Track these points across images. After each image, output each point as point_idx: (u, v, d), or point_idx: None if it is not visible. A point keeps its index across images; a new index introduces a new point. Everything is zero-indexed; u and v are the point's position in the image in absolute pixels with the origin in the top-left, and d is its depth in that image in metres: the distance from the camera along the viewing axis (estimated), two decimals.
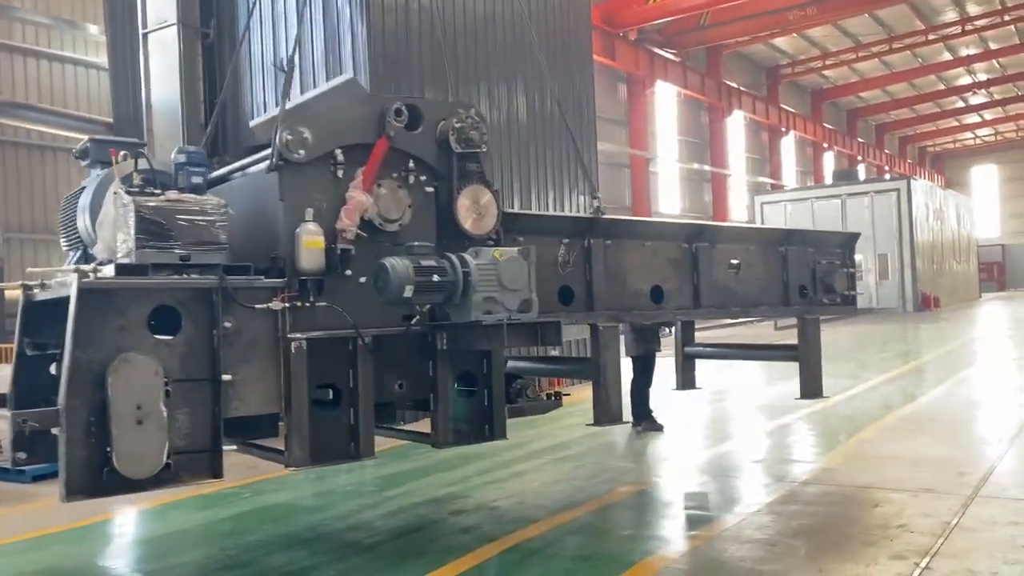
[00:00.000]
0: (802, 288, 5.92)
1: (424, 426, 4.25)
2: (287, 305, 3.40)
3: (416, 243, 3.53)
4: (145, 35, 8.58)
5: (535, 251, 3.78)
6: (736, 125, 33.53)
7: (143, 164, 3.38)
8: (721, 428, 7.88)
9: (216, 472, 3.29)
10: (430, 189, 3.90)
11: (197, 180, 3.33)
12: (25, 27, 16.42)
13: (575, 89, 11.05)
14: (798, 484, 5.43)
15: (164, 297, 3.19)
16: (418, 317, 3.74)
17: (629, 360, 7.12)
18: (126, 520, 5.13)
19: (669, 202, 29.72)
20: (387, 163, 3.74)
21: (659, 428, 7.40)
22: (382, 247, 3.63)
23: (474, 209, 3.94)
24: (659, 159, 28.52)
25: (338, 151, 3.61)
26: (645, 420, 7.37)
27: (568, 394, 6.27)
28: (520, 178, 9.86)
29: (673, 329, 7.10)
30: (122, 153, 3.62)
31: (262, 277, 3.42)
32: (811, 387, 5.96)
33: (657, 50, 26.70)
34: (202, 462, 3.27)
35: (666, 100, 29.40)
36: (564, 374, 5.53)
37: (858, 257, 27.13)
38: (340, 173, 3.61)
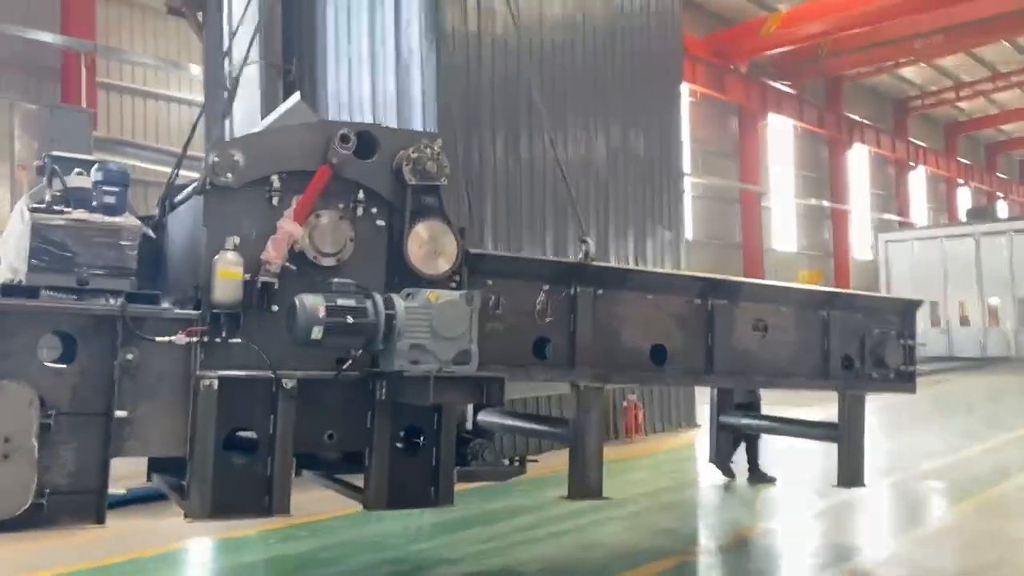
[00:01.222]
0: (846, 359, 5.10)
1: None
2: (193, 340, 3.06)
3: (336, 280, 3.13)
4: (230, 73, 8.87)
5: (480, 296, 3.31)
6: (859, 159, 31.86)
7: (57, 182, 3.15)
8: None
9: (100, 516, 2.94)
10: (381, 223, 3.52)
11: (110, 200, 3.06)
12: (135, 68, 17.49)
13: (661, 125, 10.67)
14: None
15: (60, 322, 2.92)
16: (350, 362, 3.31)
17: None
18: None
19: (784, 239, 28.38)
20: (333, 193, 3.40)
21: (770, 480, 6.96)
22: (313, 283, 3.25)
23: (428, 247, 3.52)
24: (772, 194, 27.30)
25: (275, 177, 3.29)
26: (754, 472, 7.02)
27: (536, 460, 5.75)
28: (598, 215, 9.55)
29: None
30: (35, 164, 3.42)
31: (172, 307, 3.10)
32: (850, 473, 5.16)
33: (771, 82, 25.69)
34: (85, 504, 2.95)
35: (781, 133, 28.29)
36: (536, 435, 4.94)
37: (988, 301, 24.68)
38: (275, 200, 3.29)
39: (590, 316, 4.15)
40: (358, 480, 3.64)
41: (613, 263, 9.60)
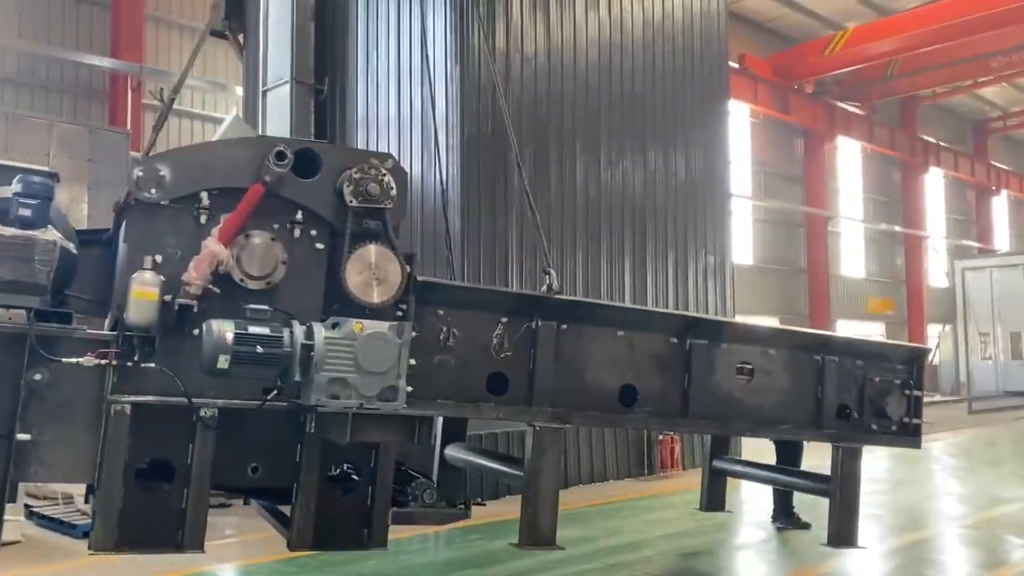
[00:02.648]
0: (843, 409, 4.81)
1: None
2: (103, 362, 3.02)
3: (251, 305, 3.05)
4: (264, 92, 9.19)
5: (411, 328, 3.19)
6: (935, 183, 30.69)
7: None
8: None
9: None
10: (320, 246, 3.43)
11: (26, 212, 3.06)
12: (183, 91, 18.12)
13: (706, 145, 10.50)
14: None
15: None
16: (276, 392, 3.23)
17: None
18: None
19: (853, 264, 27.44)
20: (268, 212, 3.33)
21: (805, 526, 6.50)
22: (238, 308, 3.18)
23: (367, 273, 3.41)
24: (840, 218, 26.47)
25: (204, 194, 3.24)
26: (785, 515, 6.54)
27: (484, 504, 5.54)
28: (633, 240, 9.44)
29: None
30: None
31: (84, 327, 3.08)
32: (843, 532, 4.82)
33: (838, 103, 24.89)
34: None
35: (850, 155, 27.42)
36: (494, 475, 4.75)
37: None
38: (203, 219, 3.24)
39: (552, 352, 3.97)
40: None
41: (649, 290, 9.43)
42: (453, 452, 4.76)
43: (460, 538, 5.99)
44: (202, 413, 3.14)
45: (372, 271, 3.41)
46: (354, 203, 3.39)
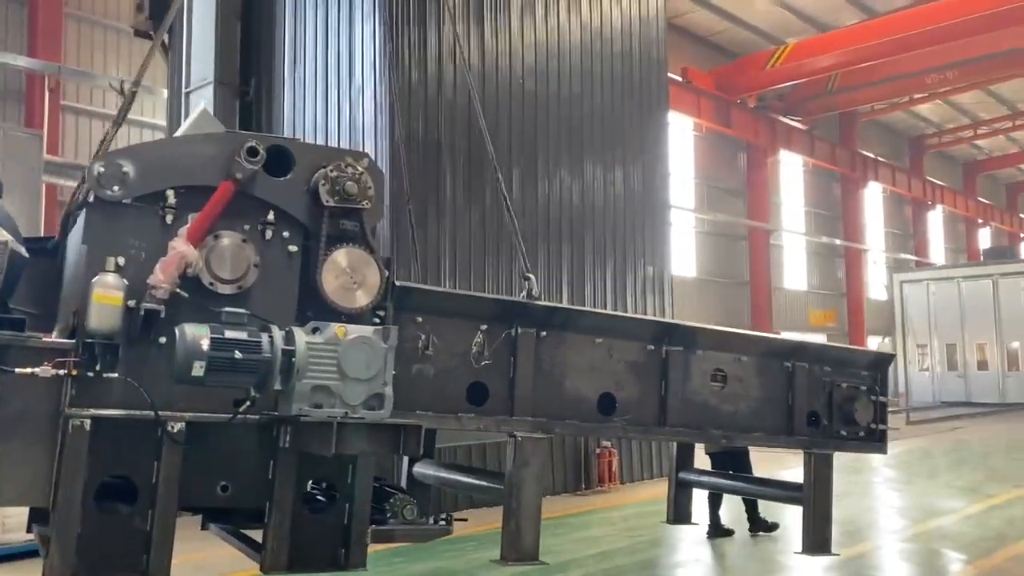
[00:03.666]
0: (812, 415, 4.95)
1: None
2: (61, 372, 2.85)
3: (227, 309, 2.94)
4: (187, 93, 8.92)
5: (397, 332, 3.12)
6: (874, 197, 32.02)
7: None
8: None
9: None
10: (293, 248, 3.33)
11: None
12: (105, 93, 17.45)
13: (645, 157, 10.66)
14: None
15: None
16: (249, 403, 3.11)
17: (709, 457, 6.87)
18: None
19: (795, 277, 28.34)
20: (239, 212, 3.21)
21: (773, 527, 7.04)
22: (213, 314, 3.05)
23: (345, 277, 3.33)
24: (782, 231, 27.35)
25: (170, 192, 3.11)
26: (756, 522, 7.05)
27: (466, 519, 5.48)
28: (572, 251, 9.47)
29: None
30: None
31: (41, 335, 2.90)
32: (816, 539, 4.94)
33: (780, 118, 25.83)
34: None
35: (791, 170, 28.39)
36: (467, 490, 4.72)
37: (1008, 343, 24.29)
38: (169, 218, 3.11)
39: (532, 360, 3.96)
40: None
41: (588, 301, 9.49)
42: (422, 469, 4.70)
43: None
44: (169, 428, 3.00)
45: (350, 275, 3.34)
46: (331, 203, 3.31)
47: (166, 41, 10.21)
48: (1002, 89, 28.86)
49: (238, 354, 2.76)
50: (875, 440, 5.20)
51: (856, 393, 5.12)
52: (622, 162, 10.23)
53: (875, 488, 9.64)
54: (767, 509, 7.13)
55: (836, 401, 5.04)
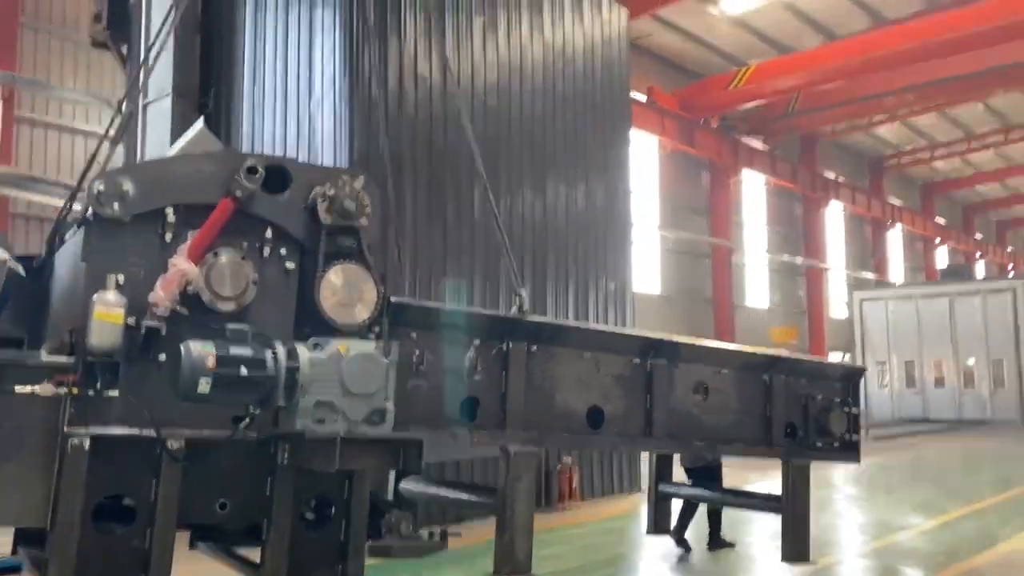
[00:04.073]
0: (789, 427, 5.11)
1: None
2: (61, 391, 2.85)
3: (230, 326, 2.97)
4: (145, 106, 8.77)
5: (399, 347, 3.18)
6: (834, 217, 32.75)
7: None
8: None
9: None
10: (291, 265, 3.38)
11: None
12: (62, 104, 17.18)
13: (607, 173, 10.73)
14: None
15: None
16: (248, 420, 3.13)
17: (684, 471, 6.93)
18: None
19: (757, 294, 28.87)
20: (237, 230, 3.25)
21: (731, 545, 7.14)
22: (212, 331, 3.08)
23: (342, 293, 3.38)
24: (744, 249, 27.85)
25: (169, 210, 3.14)
26: (713, 539, 7.15)
27: (459, 533, 5.64)
28: (534, 267, 9.52)
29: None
30: None
31: (38, 353, 2.90)
32: (796, 548, 5.09)
33: (743, 138, 26.39)
34: None
35: (754, 189, 28.96)
36: (460, 506, 4.78)
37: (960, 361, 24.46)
38: (168, 236, 3.14)
39: (523, 374, 4.03)
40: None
41: (550, 316, 9.54)
42: (409, 485, 4.73)
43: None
44: (169, 445, 3.01)
45: (348, 291, 3.39)
46: (329, 221, 3.37)
47: (123, 52, 10.06)
48: (958, 112, 29.96)
49: (243, 371, 2.79)
50: (849, 450, 5.37)
51: (830, 405, 5.28)
52: (585, 179, 10.30)
53: (835, 504, 9.73)
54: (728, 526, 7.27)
55: (811, 413, 5.19)
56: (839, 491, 10.85)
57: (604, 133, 10.76)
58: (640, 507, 9.27)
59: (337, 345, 3.02)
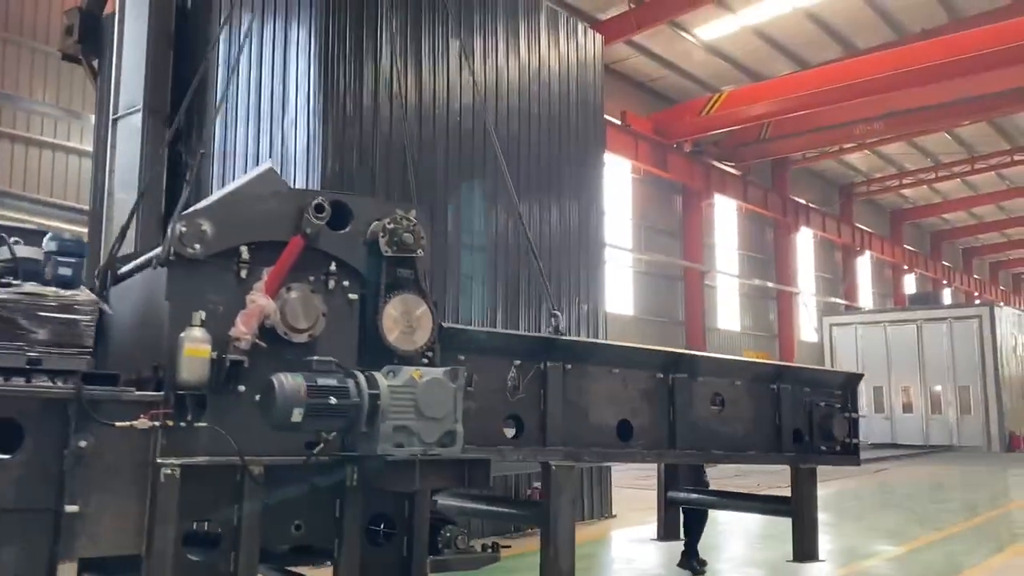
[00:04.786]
0: (796, 433, 5.42)
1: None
2: (157, 424, 2.99)
3: (316, 358, 3.14)
4: (115, 120, 8.62)
5: (465, 373, 3.38)
6: (805, 242, 33.38)
7: (5, 251, 3.09)
8: None
9: None
10: (353, 296, 3.57)
11: (66, 272, 3.01)
12: (31, 116, 16.98)
13: (580, 195, 10.81)
14: None
15: (4, 408, 2.79)
16: (322, 445, 3.29)
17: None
18: None
19: (729, 318, 29.25)
20: (303, 265, 3.43)
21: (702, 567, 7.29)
22: (284, 361, 3.25)
23: (403, 321, 3.58)
24: (716, 273, 28.28)
25: (243, 248, 3.31)
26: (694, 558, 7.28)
27: (508, 545, 5.62)
28: (507, 287, 9.53)
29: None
30: None
31: (133, 389, 3.03)
32: (806, 548, 5.37)
33: (715, 163, 26.89)
34: None
35: (726, 213, 29.47)
36: (506, 519, 4.98)
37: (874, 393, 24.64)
38: (244, 273, 3.30)
39: (560, 392, 4.26)
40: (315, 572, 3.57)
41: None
42: (443, 500, 4.89)
43: None
44: (252, 471, 3.15)
45: (407, 319, 3.59)
46: (389, 252, 3.57)
47: (95, 66, 9.92)
48: (926, 141, 30.86)
49: (332, 400, 2.97)
50: (850, 453, 5.69)
51: (832, 411, 5.62)
52: (558, 201, 10.38)
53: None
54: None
55: (816, 419, 5.52)
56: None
57: (578, 156, 10.87)
58: (610, 533, 9.41)
59: (411, 372, 3.20)
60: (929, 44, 19.49)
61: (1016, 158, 31.68)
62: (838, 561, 7.93)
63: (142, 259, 3.77)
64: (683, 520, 7.13)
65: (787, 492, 5.44)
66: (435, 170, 8.77)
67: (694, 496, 6.73)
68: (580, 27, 11.48)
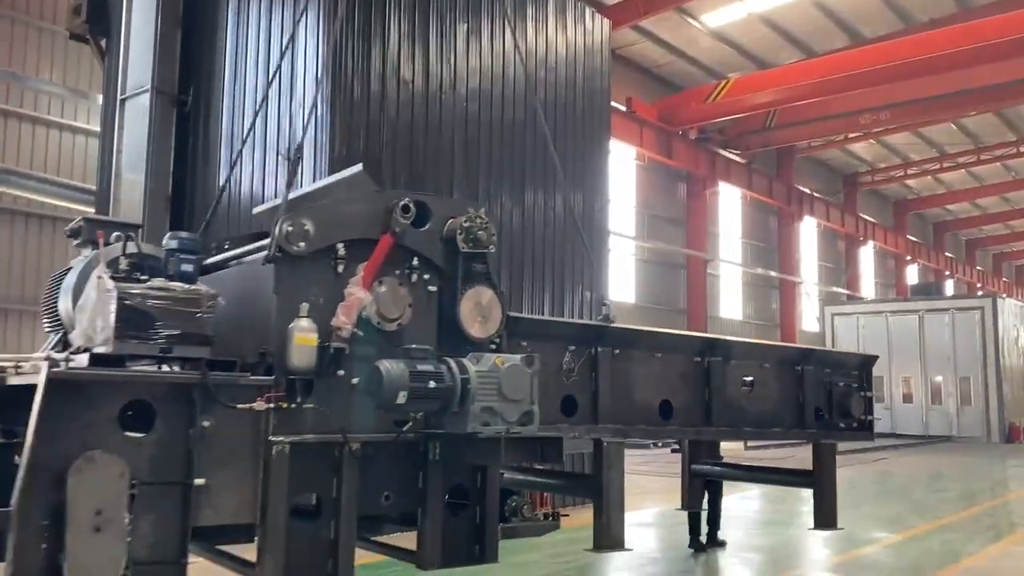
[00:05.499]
0: (818, 411, 5.82)
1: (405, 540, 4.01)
2: (271, 406, 3.31)
3: (414, 346, 3.48)
4: (123, 101, 8.58)
5: (540, 359, 3.71)
6: (808, 231, 33.35)
7: (132, 248, 3.39)
8: None
9: None
10: (432, 288, 3.90)
11: (187, 268, 3.32)
12: (38, 96, 17.05)
13: (585, 182, 10.79)
14: None
15: (139, 391, 3.12)
16: (411, 423, 3.63)
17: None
18: None
19: (731, 306, 29.38)
20: (390, 260, 3.75)
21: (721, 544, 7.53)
22: (378, 347, 3.57)
23: (478, 312, 3.91)
24: (719, 261, 28.34)
25: (340, 245, 3.62)
26: (695, 539, 7.45)
27: (567, 514, 6.03)
28: (511, 274, 9.48)
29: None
30: (113, 235, 3.64)
31: (248, 374, 3.35)
32: (826, 517, 5.82)
33: (720, 151, 26.87)
34: (165, 575, 3.09)
35: (730, 201, 29.44)
36: (563, 491, 5.36)
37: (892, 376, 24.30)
38: (340, 268, 3.62)
39: (609, 374, 4.63)
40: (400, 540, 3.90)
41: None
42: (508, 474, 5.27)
43: None
44: (351, 447, 3.48)
45: (480, 309, 3.91)
46: (466, 249, 3.89)
47: (103, 46, 9.91)
48: (931, 132, 30.87)
49: (431, 384, 3.32)
50: (865, 429, 6.10)
51: (850, 390, 6.02)
52: (563, 188, 10.19)
53: (802, 517, 9.31)
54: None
55: (835, 398, 5.93)
56: (807, 504, 11.12)
57: (584, 142, 10.83)
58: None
59: (494, 359, 3.54)
60: (936, 34, 19.52)
61: (1022, 149, 31.80)
62: (836, 548, 8.03)
63: (233, 252, 4.08)
64: (707, 496, 7.54)
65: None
66: (440, 153, 8.75)
67: (718, 469, 7.12)
68: (588, 12, 11.43)
